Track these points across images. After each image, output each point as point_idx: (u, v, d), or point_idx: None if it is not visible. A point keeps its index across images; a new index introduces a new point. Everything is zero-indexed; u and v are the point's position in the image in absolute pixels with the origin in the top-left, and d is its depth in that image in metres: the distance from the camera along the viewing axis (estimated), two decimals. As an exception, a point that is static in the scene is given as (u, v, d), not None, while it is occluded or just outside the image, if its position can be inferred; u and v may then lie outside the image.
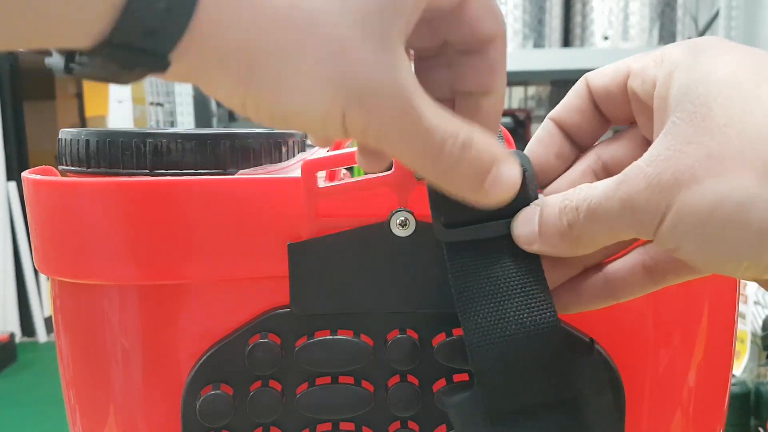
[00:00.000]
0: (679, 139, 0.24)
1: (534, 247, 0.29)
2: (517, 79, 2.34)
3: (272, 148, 0.38)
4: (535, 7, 2.01)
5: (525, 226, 0.29)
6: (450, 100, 0.30)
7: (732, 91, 0.23)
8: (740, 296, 0.49)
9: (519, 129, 2.33)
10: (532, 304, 0.29)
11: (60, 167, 0.39)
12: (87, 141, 0.37)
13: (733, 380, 0.95)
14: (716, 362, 0.37)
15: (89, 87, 2.97)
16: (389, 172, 0.32)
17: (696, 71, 0.25)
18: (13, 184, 2.82)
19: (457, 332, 0.34)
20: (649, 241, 0.29)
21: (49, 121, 3.41)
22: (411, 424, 0.35)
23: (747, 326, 1.13)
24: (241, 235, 0.33)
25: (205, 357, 0.34)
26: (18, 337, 2.81)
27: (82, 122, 3.35)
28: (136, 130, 0.37)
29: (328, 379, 0.35)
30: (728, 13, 2.12)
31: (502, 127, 0.33)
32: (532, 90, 2.68)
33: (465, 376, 0.35)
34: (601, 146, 0.32)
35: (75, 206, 0.33)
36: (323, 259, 0.33)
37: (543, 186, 0.32)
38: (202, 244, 0.33)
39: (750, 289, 1.13)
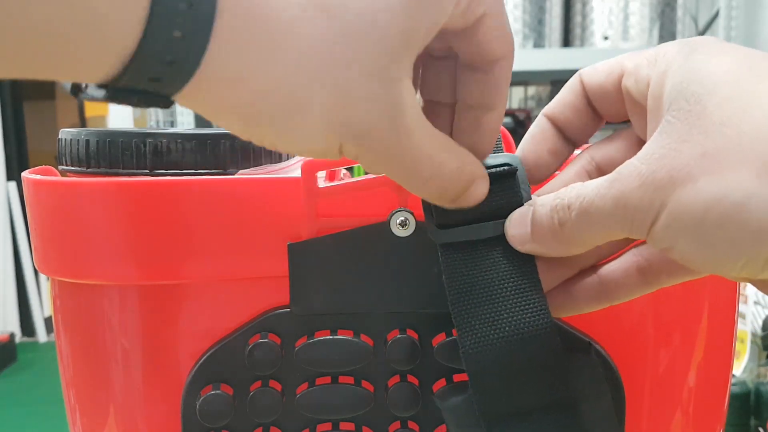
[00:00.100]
0: (674, 138, 0.24)
1: (527, 247, 0.29)
2: (517, 79, 2.34)
3: (272, 148, 0.38)
4: (535, 7, 2.00)
5: (518, 227, 0.29)
6: (451, 105, 0.30)
7: (728, 90, 0.23)
8: (740, 296, 0.49)
9: (519, 129, 2.32)
10: (527, 306, 0.28)
11: (60, 167, 0.39)
12: (87, 141, 0.37)
13: (733, 380, 0.95)
14: (716, 362, 0.37)
15: (89, 87, 2.97)
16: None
17: (690, 70, 0.25)
18: (13, 184, 2.82)
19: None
20: (643, 243, 0.29)
21: (49, 121, 3.41)
22: (411, 424, 0.35)
23: (747, 326, 1.13)
24: (241, 235, 0.33)
25: (205, 357, 0.34)
26: (18, 337, 2.81)
27: (82, 122, 3.35)
28: (136, 130, 0.37)
29: (328, 379, 0.35)
30: (728, 13, 2.12)
31: (501, 127, 0.33)
32: (532, 90, 2.67)
33: (465, 377, 0.35)
34: (594, 147, 0.32)
35: (75, 206, 0.33)
36: (323, 259, 0.33)
37: (537, 182, 0.31)
38: (202, 244, 0.33)
39: (750, 289, 1.13)
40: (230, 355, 0.34)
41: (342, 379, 0.35)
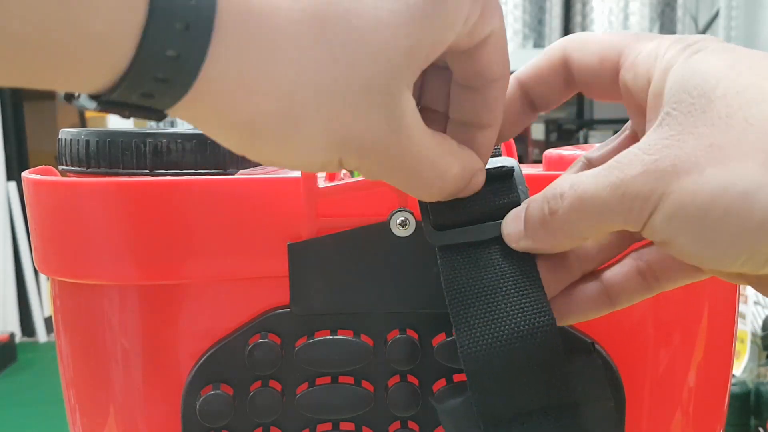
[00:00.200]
0: (678, 129, 0.24)
1: (521, 244, 0.28)
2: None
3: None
4: (535, 7, 2.01)
5: (513, 224, 0.29)
6: (445, 113, 0.30)
7: (732, 84, 0.23)
8: (740, 296, 0.49)
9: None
10: (527, 306, 0.28)
11: (60, 167, 0.39)
12: (87, 141, 0.37)
13: (733, 380, 0.95)
14: (716, 362, 0.37)
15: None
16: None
17: (693, 66, 0.24)
18: (13, 184, 2.82)
19: (457, 332, 0.34)
20: (643, 246, 0.29)
21: (49, 121, 3.41)
22: (411, 424, 0.35)
23: (747, 326, 1.13)
24: (241, 235, 0.33)
25: (205, 357, 0.34)
26: (18, 337, 2.81)
27: (82, 122, 3.35)
28: (136, 130, 0.37)
29: (328, 379, 0.35)
30: (728, 13, 2.12)
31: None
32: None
33: (465, 377, 0.35)
34: (592, 151, 0.32)
35: (75, 206, 0.33)
36: (323, 259, 0.33)
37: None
38: (202, 244, 0.33)
39: (750, 289, 1.13)
40: (230, 355, 0.34)
41: (342, 379, 0.35)
